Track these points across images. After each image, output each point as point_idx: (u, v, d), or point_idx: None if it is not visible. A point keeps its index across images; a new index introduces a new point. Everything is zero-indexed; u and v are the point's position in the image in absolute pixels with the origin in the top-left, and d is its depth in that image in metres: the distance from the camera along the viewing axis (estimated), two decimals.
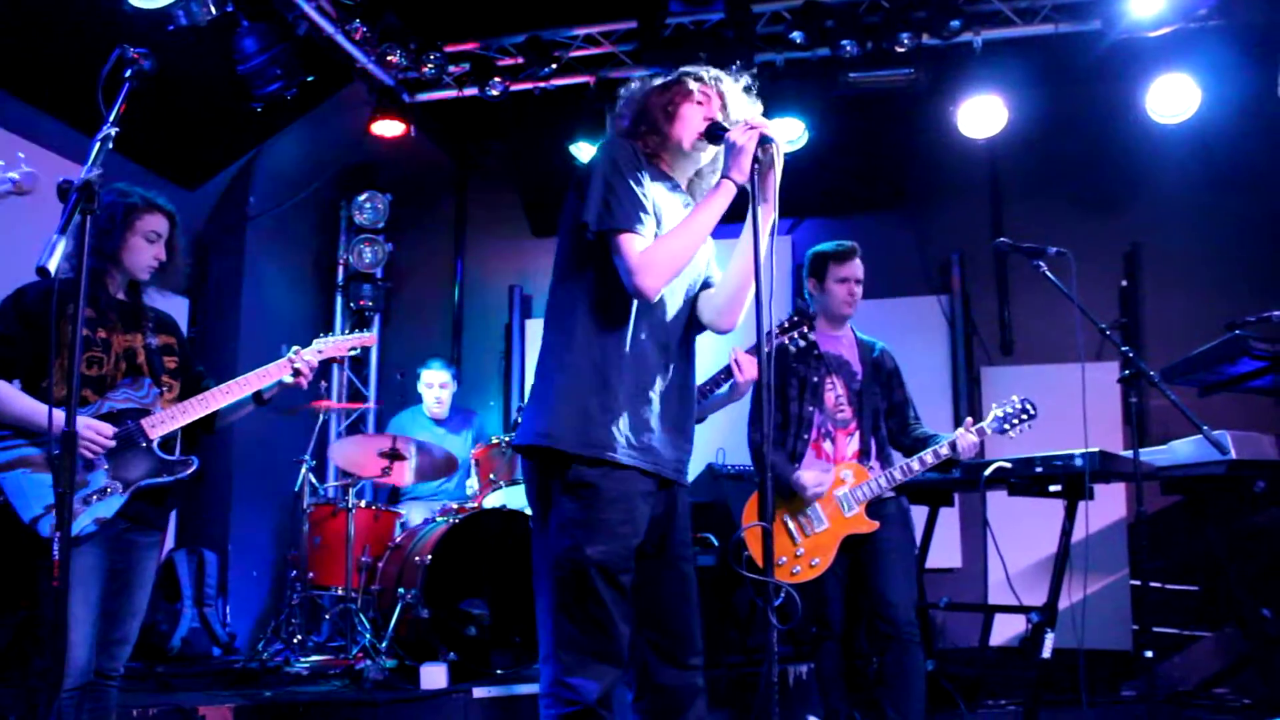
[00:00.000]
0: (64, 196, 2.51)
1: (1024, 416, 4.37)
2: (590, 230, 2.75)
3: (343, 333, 4.02)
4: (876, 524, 4.29)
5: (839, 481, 4.31)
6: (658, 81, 3.00)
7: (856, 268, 4.49)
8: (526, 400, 2.93)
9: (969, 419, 4.36)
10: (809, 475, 4.26)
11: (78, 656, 3.10)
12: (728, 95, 2.96)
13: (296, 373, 3.58)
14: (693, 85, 2.94)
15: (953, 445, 4.28)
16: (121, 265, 3.39)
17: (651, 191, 2.84)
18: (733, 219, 2.78)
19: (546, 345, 2.89)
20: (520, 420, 2.91)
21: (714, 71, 2.98)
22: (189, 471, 3.38)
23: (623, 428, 2.74)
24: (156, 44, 2.92)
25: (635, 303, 2.80)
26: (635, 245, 2.73)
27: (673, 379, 2.88)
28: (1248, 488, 5.24)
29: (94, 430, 3.18)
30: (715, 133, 2.86)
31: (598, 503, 2.71)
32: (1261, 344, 5.04)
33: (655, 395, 2.82)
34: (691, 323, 2.99)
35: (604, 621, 2.69)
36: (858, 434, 4.44)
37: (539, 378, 2.87)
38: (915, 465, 4.30)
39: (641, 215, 2.77)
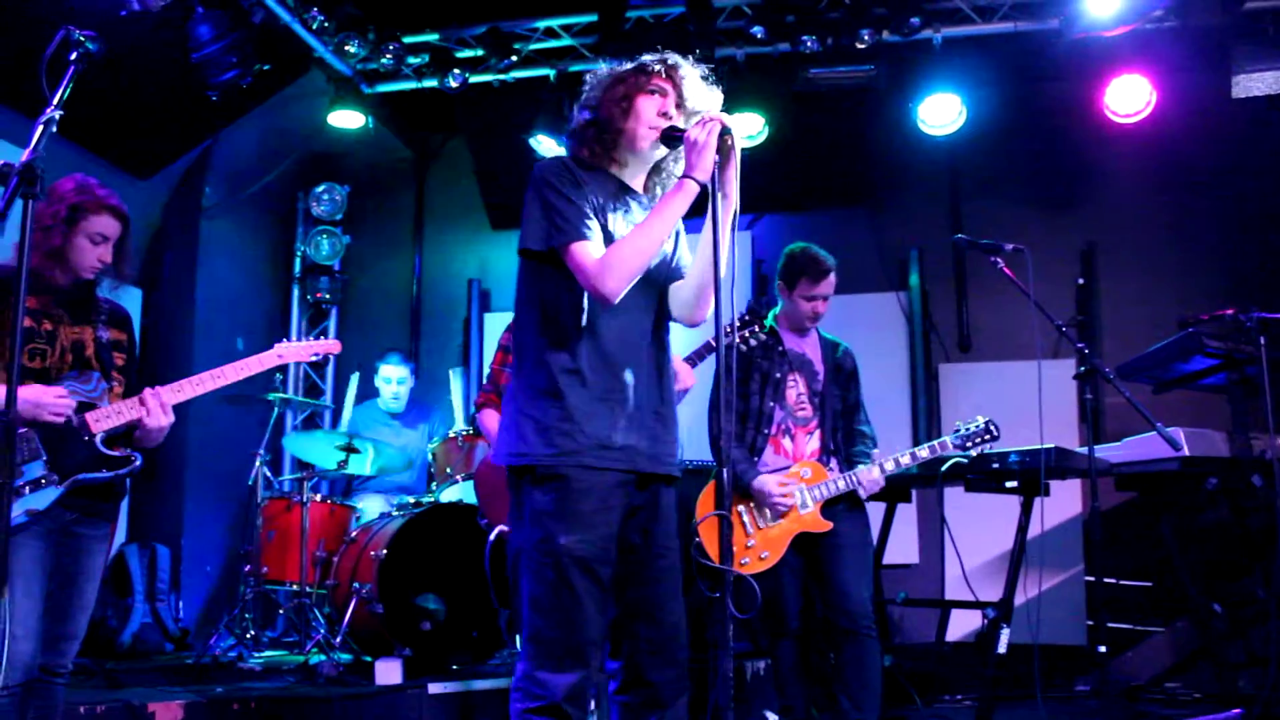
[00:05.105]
0: (3, 180, 2.44)
1: (986, 438, 4.43)
2: (538, 250, 2.74)
3: (300, 338, 3.93)
4: (830, 525, 4.30)
5: (798, 479, 4.31)
6: (617, 70, 2.90)
7: (828, 286, 4.46)
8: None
9: (876, 452, 4.43)
10: (774, 484, 4.26)
11: (22, 651, 3.01)
12: (685, 85, 2.88)
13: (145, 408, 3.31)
14: (648, 77, 2.85)
15: (858, 479, 4.33)
16: (65, 264, 3.26)
17: (594, 197, 2.80)
18: (694, 214, 2.74)
19: (513, 370, 2.90)
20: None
21: (672, 59, 2.89)
22: (130, 469, 3.28)
23: (590, 433, 2.72)
24: (109, 28, 2.85)
25: (588, 310, 2.76)
26: (590, 251, 2.70)
27: (646, 372, 2.84)
28: (1200, 484, 5.30)
29: (52, 397, 3.12)
30: (672, 135, 2.79)
31: (570, 494, 2.69)
32: (1215, 342, 5.10)
33: (628, 392, 2.79)
34: (663, 314, 2.96)
35: (575, 616, 2.66)
36: (818, 432, 4.46)
37: (505, 402, 2.87)
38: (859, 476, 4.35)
39: (587, 223, 2.73)
